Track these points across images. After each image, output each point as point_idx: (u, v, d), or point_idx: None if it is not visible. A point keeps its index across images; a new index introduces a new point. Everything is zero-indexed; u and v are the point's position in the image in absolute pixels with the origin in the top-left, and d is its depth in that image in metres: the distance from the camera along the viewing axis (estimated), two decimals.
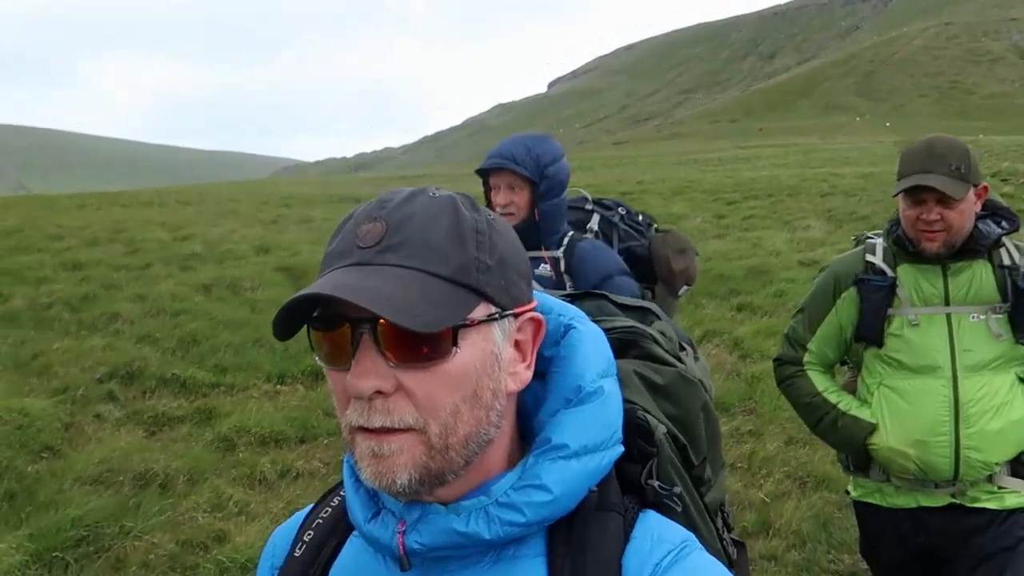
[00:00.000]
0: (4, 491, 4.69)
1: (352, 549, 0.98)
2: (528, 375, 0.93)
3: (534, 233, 2.82)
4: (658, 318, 1.24)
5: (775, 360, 2.88)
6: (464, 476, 0.88)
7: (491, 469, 0.91)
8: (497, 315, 0.88)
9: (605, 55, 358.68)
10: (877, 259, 2.60)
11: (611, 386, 0.95)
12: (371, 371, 0.83)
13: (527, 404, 0.97)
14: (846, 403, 2.69)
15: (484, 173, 2.93)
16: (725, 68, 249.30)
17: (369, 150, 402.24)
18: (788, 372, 2.80)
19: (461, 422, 0.85)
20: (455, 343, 0.84)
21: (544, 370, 0.96)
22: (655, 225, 3.34)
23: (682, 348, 1.23)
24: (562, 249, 2.91)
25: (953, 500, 2.55)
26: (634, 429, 1.00)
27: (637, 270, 3.08)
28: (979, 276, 2.51)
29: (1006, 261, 2.49)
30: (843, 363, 2.92)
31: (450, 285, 0.84)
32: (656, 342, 1.14)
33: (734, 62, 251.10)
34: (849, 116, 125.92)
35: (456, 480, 0.88)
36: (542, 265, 2.97)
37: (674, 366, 1.12)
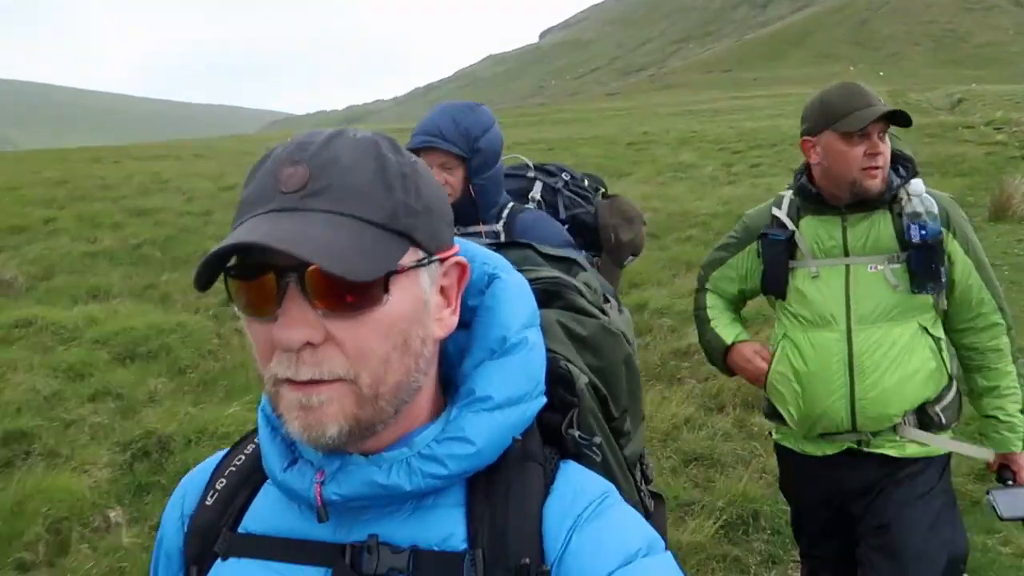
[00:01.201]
0: (199, 380, 5.89)
1: (266, 498, 0.96)
2: (454, 321, 0.91)
3: (471, 209, 2.65)
4: (583, 269, 1.24)
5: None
6: (392, 425, 0.87)
7: (416, 418, 0.90)
8: (425, 260, 0.86)
9: (597, 4, 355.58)
10: (781, 213, 2.60)
11: (535, 337, 0.95)
12: (299, 321, 0.79)
13: (450, 354, 0.96)
14: (716, 321, 2.82)
15: (412, 152, 3.04)
16: (718, 17, 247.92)
17: (360, 102, 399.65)
18: (695, 291, 2.95)
19: (391, 371, 0.83)
20: (386, 290, 0.82)
21: (468, 320, 0.95)
22: (602, 190, 3.16)
23: (606, 300, 1.23)
24: (502, 222, 2.71)
25: (852, 446, 2.56)
26: (556, 379, 1.00)
27: (583, 239, 2.95)
28: (878, 225, 2.48)
29: (906, 209, 2.44)
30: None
31: (380, 230, 0.82)
32: (580, 293, 1.15)
33: (727, 11, 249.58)
34: (843, 65, 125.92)
35: (384, 430, 0.87)
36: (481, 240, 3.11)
37: (597, 318, 1.13)
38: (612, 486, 0.95)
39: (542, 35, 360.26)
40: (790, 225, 2.57)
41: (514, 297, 0.96)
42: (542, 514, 0.89)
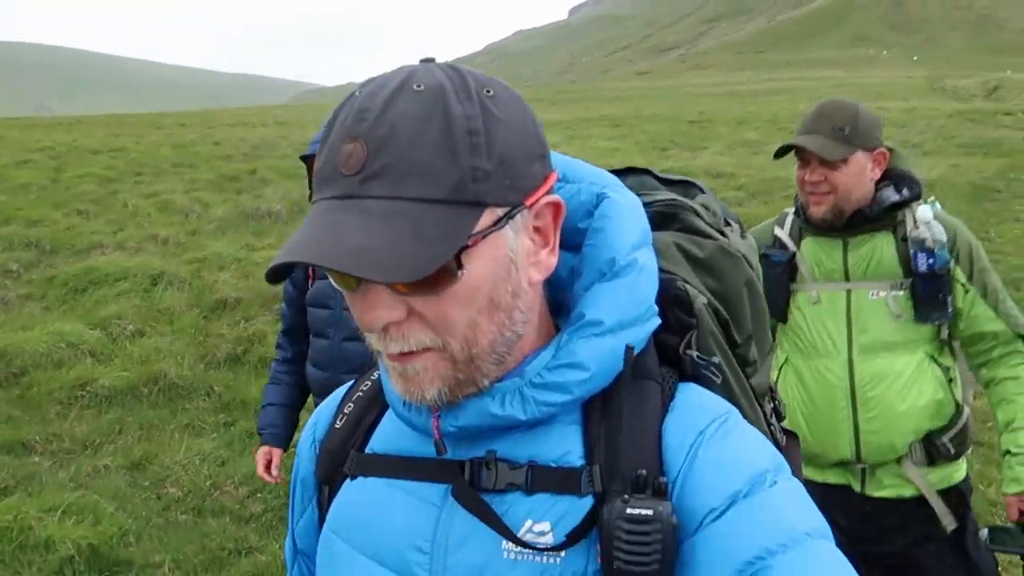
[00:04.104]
0: None
1: (391, 420, 0.98)
2: (553, 260, 0.88)
3: None
4: (702, 191, 1.20)
5: None
6: (500, 366, 0.87)
7: (527, 349, 0.89)
8: (505, 218, 0.82)
9: None
10: (783, 233, 2.51)
11: (646, 257, 0.93)
12: (378, 303, 0.80)
13: (562, 277, 0.93)
14: None
15: (309, 159, 2.65)
16: None
17: None
18: None
19: (481, 332, 0.83)
20: (460, 266, 0.79)
21: (579, 242, 0.93)
22: None
23: (727, 224, 1.18)
24: None
25: (852, 486, 2.44)
26: (673, 299, 0.97)
27: None
28: (880, 249, 2.36)
29: (913, 235, 2.31)
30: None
31: (446, 207, 0.78)
32: (697, 215, 1.11)
33: None
34: (876, 49, 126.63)
35: (491, 374, 0.86)
36: None
37: (715, 239, 1.09)
38: (735, 408, 0.93)
39: (572, 11, 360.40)
40: (791, 246, 2.48)
41: (624, 217, 0.93)
42: (661, 431, 0.88)
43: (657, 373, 0.92)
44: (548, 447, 0.88)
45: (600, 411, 0.89)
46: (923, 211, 2.32)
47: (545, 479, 0.87)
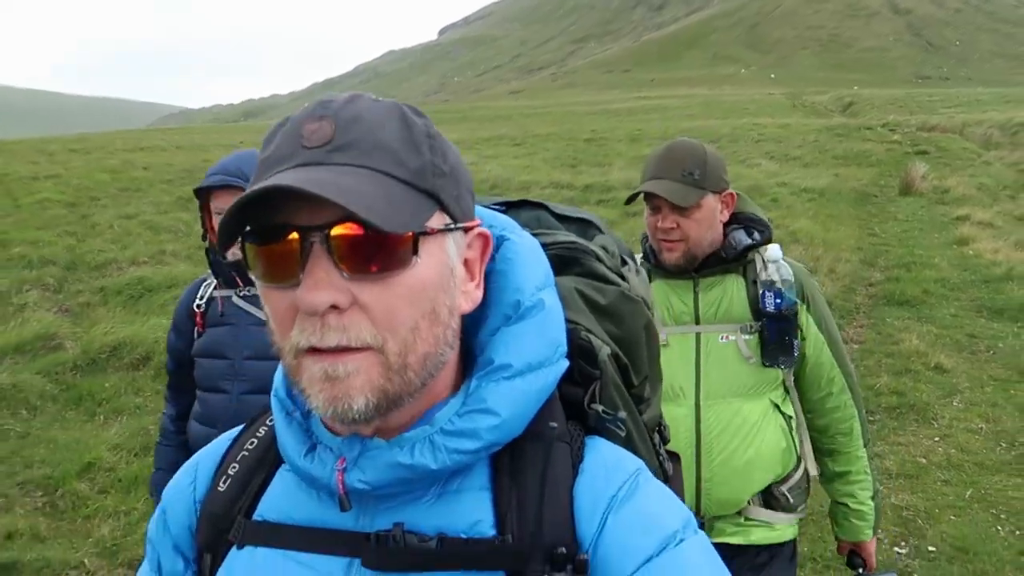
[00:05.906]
0: None
1: (282, 483, 0.94)
2: (479, 295, 0.89)
3: None
4: (599, 231, 1.21)
5: None
6: (415, 401, 0.84)
7: (438, 394, 0.87)
8: (452, 226, 0.84)
9: (497, 2, 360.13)
10: None
11: (551, 298, 0.93)
12: (325, 283, 0.76)
13: (466, 324, 0.91)
14: None
15: (204, 192, 2.55)
16: (616, 18, 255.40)
17: (256, 97, 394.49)
18: None
19: (420, 340, 0.81)
20: (415, 252, 0.79)
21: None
22: None
23: (624, 262, 1.19)
24: None
25: None
26: (577, 351, 0.97)
27: None
28: (730, 292, 2.34)
29: (761, 277, 2.30)
30: None
31: (408, 188, 0.80)
32: (598, 259, 1.11)
33: (625, 12, 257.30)
34: (736, 68, 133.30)
35: (409, 404, 0.84)
36: None
37: (616, 284, 1.10)
38: (642, 463, 0.93)
39: (441, 32, 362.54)
40: None
41: (525, 259, 0.93)
42: (572, 495, 0.87)
43: (565, 432, 0.92)
44: (457, 517, 0.86)
45: (509, 473, 0.88)
46: (772, 251, 2.34)
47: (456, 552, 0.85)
